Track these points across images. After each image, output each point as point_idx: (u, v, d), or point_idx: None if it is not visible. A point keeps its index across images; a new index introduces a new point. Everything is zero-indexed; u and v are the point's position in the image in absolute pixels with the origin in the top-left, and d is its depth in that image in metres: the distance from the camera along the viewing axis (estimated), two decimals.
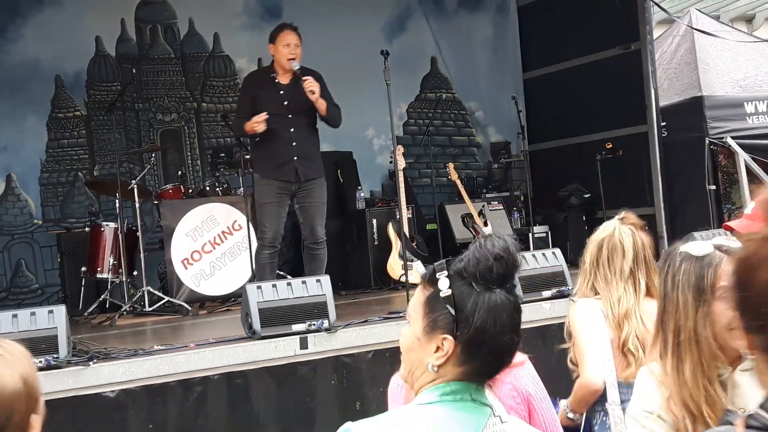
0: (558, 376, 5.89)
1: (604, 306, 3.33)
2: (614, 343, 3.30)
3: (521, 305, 1.78)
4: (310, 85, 6.62)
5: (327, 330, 5.31)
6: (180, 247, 7.74)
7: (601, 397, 3.34)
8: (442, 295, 1.74)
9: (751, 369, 2.43)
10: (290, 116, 6.78)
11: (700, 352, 2.13)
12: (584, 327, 3.36)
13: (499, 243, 1.75)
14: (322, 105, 6.75)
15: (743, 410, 2.41)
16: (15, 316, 4.71)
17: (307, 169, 6.91)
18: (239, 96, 7.20)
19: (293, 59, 6.74)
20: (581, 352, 3.37)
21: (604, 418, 3.33)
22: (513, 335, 1.75)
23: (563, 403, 3.51)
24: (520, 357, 2.77)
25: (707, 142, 9.28)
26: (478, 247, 1.76)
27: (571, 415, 3.46)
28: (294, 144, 6.79)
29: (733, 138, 9.29)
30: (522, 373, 2.75)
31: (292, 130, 6.81)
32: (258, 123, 6.59)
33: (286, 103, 6.77)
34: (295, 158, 6.79)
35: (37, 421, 1.81)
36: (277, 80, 6.86)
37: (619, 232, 3.37)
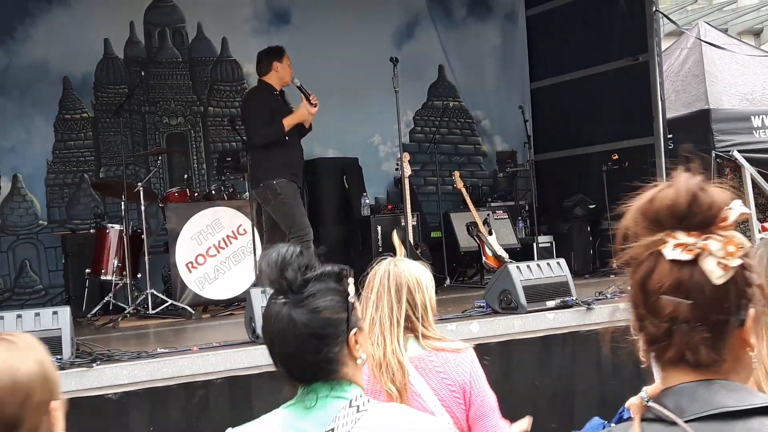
0: (560, 387, 5.90)
1: None
2: None
3: (308, 321, 1.80)
4: (316, 99, 7.19)
5: None
6: (184, 250, 7.74)
7: None
8: None
9: None
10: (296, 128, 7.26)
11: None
12: None
13: (268, 257, 1.83)
14: (310, 120, 7.30)
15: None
16: (19, 316, 4.72)
17: None
18: (255, 108, 7.32)
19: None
20: None
21: None
22: (282, 347, 1.82)
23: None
24: (460, 345, 2.90)
25: (714, 155, 9.28)
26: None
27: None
28: (303, 152, 7.36)
29: (739, 151, 9.29)
30: (460, 361, 2.83)
31: (300, 140, 7.34)
32: (316, 104, 7.09)
33: (316, 106, 7.23)
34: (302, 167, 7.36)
35: (57, 407, 1.76)
36: (280, 98, 7.38)
37: None
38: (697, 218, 1.35)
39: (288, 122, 7.09)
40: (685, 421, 1.31)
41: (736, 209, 1.36)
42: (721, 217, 1.36)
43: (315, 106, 7.16)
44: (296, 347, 1.81)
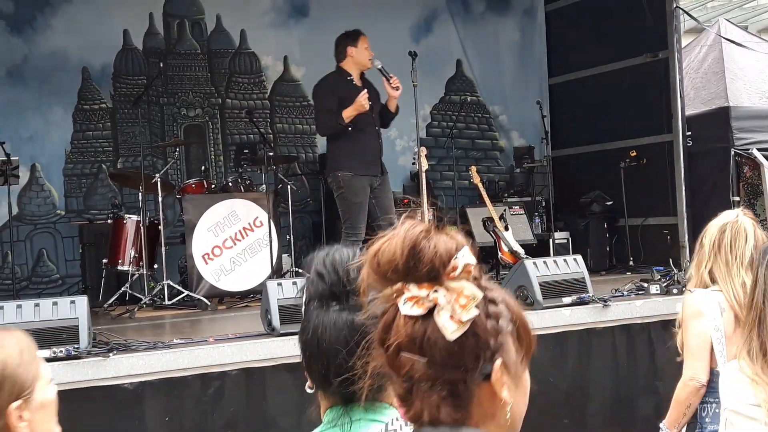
0: (574, 383, 5.88)
1: (726, 297, 3.24)
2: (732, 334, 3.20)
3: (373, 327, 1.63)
4: (397, 82, 7.08)
5: None
6: (201, 241, 7.76)
7: (710, 389, 3.32)
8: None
9: None
10: (373, 115, 7.16)
11: None
12: (696, 322, 3.30)
13: (325, 258, 1.68)
14: (394, 102, 7.21)
15: None
16: (37, 305, 4.73)
17: (383, 164, 7.34)
18: (320, 98, 7.34)
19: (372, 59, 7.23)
20: (688, 349, 3.33)
21: (716, 411, 3.25)
22: (345, 358, 1.61)
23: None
24: None
25: (732, 153, 9.22)
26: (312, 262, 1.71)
27: None
28: (379, 140, 7.25)
29: (759, 150, 9.23)
30: None
31: (376, 127, 7.23)
32: (365, 100, 6.94)
33: (370, 103, 7.10)
34: (380, 153, 7.21)
35: (15, 412, 1.71)
36: (354, 82, 7.21)
37: (742, 219, 3.32)
38: (422, 271, 1.25)
39: (347, 114, 6.97)
40: None
41: (462, 258, 1.27)
42: (450, 267, 1.26)
43: (397, 89, 7.07)
44: (350, 358, 1.58)
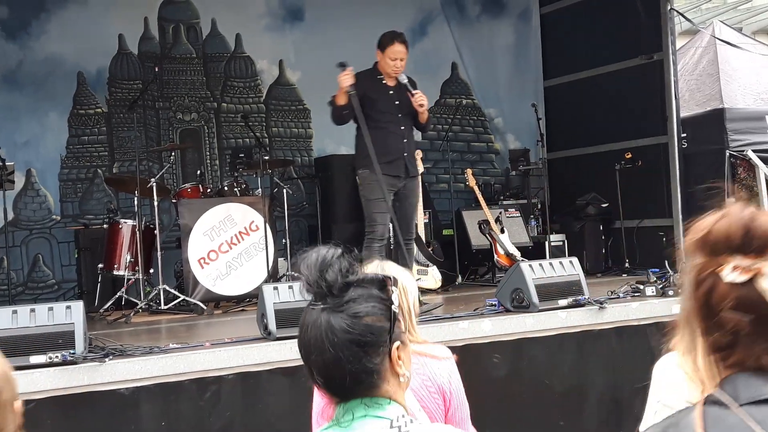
0: (570, 386, 5.89)
1: None
2: None
3: (348, 326, 1.68)
4: (420, 99, 6.97)
5: None
6: (197, 246, 7.75)
7: None
8: None
9: None
10: (400, 115, 7.08)
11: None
12: None
13: (305, 259, 1.73)
14: (424, 115, 7.12)
15: None
16: (33, 310, 4.72)
17: (412, 167, 7.22)
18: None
19: (399, 74, 7.05)
20: None
21: None
22: (319, 356, 1.68)
23: None
24: (443, 352, 2.95)
25: (727, 154, 9.25)
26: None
27: None
28: (405, 141, 7.12)
29: (753, 151, 9.26)
30: (440, 367, 2.88)
31: (402, 128, 7.12)
32: (344, 77, 6.73)
33: (397, 102, 7.05)
34: (405, 154, 7.11)
35: (20, 407, 1.72)
36: (384, 82, 7.14)
37: None
38: (752, 246, 1.49)
39: (337, 95, 6.85)
40: (740, 405, 1.45)
41: None
42: None
43: (421, 106, 6.93)
44: (335, 355, 1.67)
